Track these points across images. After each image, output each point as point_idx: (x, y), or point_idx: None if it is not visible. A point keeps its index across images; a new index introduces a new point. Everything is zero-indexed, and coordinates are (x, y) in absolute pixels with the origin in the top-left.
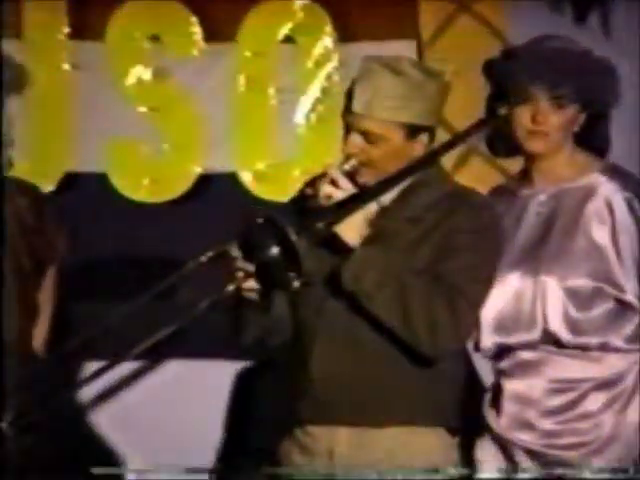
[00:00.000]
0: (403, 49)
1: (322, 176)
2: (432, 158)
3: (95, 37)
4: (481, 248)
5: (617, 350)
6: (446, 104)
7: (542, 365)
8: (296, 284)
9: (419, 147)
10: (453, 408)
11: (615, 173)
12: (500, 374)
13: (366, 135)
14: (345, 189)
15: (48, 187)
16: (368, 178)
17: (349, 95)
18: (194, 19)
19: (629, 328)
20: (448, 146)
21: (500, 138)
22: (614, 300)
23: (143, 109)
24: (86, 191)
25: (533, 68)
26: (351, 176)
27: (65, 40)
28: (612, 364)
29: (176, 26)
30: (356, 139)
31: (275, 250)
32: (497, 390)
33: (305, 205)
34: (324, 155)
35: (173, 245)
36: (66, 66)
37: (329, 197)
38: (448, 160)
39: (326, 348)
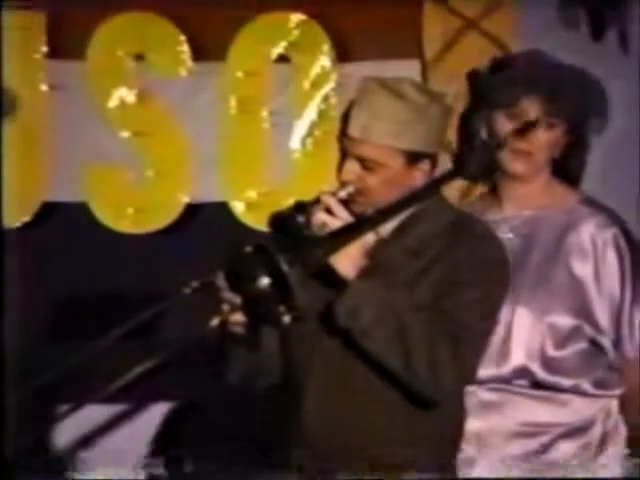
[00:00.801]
0: (406, 69)
1: (314, 203)
2: (434, 187)
3: (75, 56)
4: (485, 282)
5: (586, 395)
6: (450, 126)
7: (504, 406)
8: (287, 319)
9: (420, 175)
10: (454, 449)
11: (597, 206)
12: None
13: (363, 161)
14: (341, 218)
15: (24, 218)
16: (364, 207)
17: (346, 118)
18: (182, 37)
19: (600, 372)
20: (451, 175)
21: (474, 159)
22: (589, 341)
23: (126, 133)
24: (65, 222)
25: (528, 79)
26: (347, 204)
27: (42, 59)
28: (580, 410)
29: (162, 44)
30: (352, 165)
31: (265, 281)
32: None
33: (297, 234)
34: (321, 183)
35: (158, 280)
36: (44, 87)
37: (323, 226)
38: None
39: (320, 390)
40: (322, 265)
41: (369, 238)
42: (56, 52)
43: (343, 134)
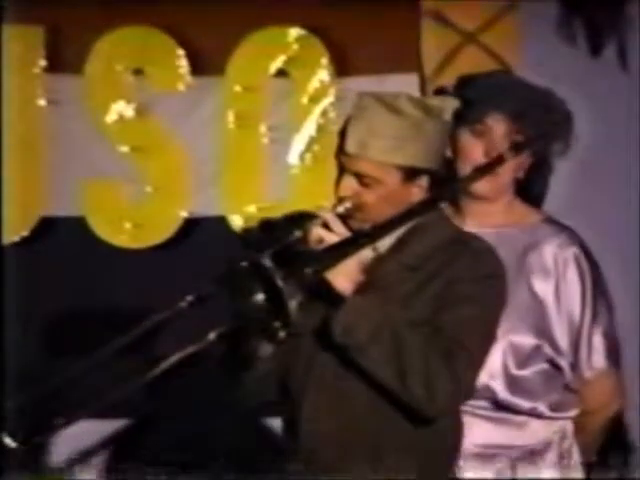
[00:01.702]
0: (405, 83)
1: (310, 217)
2: (432, 204)
3: (73, 70)
4: (482, 298)
5: (542, 417)
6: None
7: (464, 427)
8: (282, 334)
9: (417, 191)
10: (450, 463)
11: (558, 226)
12: None
13: (360, 177)
14: (338, 233)
15: (22, 233)
16: (362, 223)
17: (342, 134)
18: (180, 51)
19: (557, 394)
20: (450, 191)
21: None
22: (547, 362)
23: (125, 148)
24: (63, 237)
25: (494, 96)
26: (345, 219)
27: (41, 73)
28: (535, 432)
29: (161, 59)
30: (349, 181)
31: (260, 297)
32: None
33: (293, 249)
34: (320, 198)
35: (156, 295)
36: (42, 102)
37: (320, 241)
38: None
39: (316, 406)
40: (319, 280)
41: (366, 253)
42: (54, 66)
43: (340, 150)
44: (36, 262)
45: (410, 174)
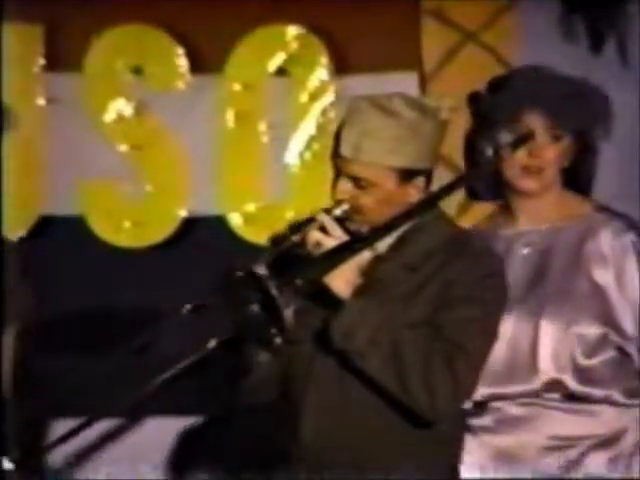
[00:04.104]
0: (404, 81)
1: (309, 221)
2: (429, 204)
3: (72, 68)
4: (481, 299)
5: (617, 404)
6: (448, 139)
7: (535, 420)
8: (278, 342)
9: (414, 192)
10: (454, 470)
11: (612, 213)
12: (478, 430)
13: (355, 180)
14: (335, 237)
15: (20, 232)
16: (361, 225)
17: (337, 137)
18: (179, 49)
19: (630, 381)
20: (447, 190)
21: (473, 175)
22: (616, 349)
23: (124, 147)
24: (62, 236)
25: (528, 94)
26: (343, 221)
27: (40, 72)
28: (611, 420)
29: (160, 57)
30: (346, 184)
31: (255, 305)
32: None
33: (291, 252)
34: (319, 196)
35: (155, 294)
36: (41, 100)
37: (318, 245)
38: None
39: (316, 410)
40: (317, 285)
41: (365, 255)
42: (53, 65)
43: (335, 153)
44: (34, 261)
45: (406, 175)
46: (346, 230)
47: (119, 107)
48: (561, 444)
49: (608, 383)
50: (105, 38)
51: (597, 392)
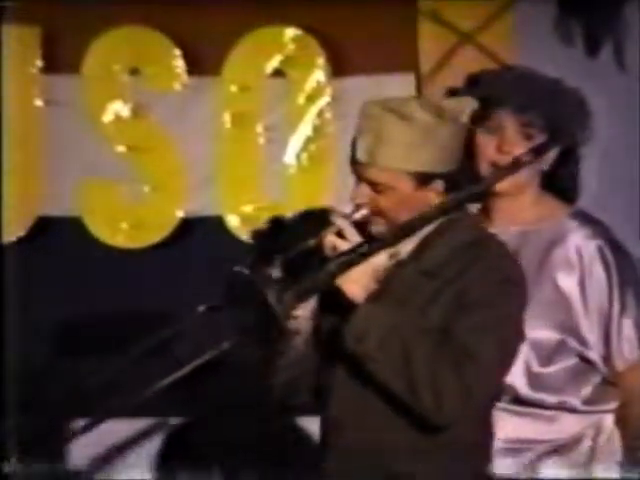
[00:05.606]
0: (401, 83)
1: (321, 217)
2: (445, 208)
3: (70, 70)
4: (498, 303)
5: (573, 411)
6: None
7: None
8: (278, 344)
9: (433, 195)
10: (480, 477)
11: (584, 219)
12: None
13: (373, 185)
14: (352, 241)
15: (18, 233)
16: (383, 226)
17: (354, 142)
18: (177, 51)
19: (588, 389)
20: (467, 194)
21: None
22: (576, 356)
23: (121, 148)
24: (59, 237)
25: (499, 92)
26: (364, 225)
27: (37, 74)
28: (567, 426)
29: (157, 59)
30: (364, 189)
31: (255, 307)
32: None
33: (306, 256)
34: (316, 198)
35: (154, 295)
36: (39, 102)
37: (334, 249)
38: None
39: (341, 405)
40: (331, 287)
41: (383, 260)
42: (51, 67)
43: (352, 159)
44: (32, 261)
45: (423, 179)
46: (366, 233)
47: (117, 108)
48: (514, 447)
49: (564, 390)
50: (103, 40)
51: (550, 398)
